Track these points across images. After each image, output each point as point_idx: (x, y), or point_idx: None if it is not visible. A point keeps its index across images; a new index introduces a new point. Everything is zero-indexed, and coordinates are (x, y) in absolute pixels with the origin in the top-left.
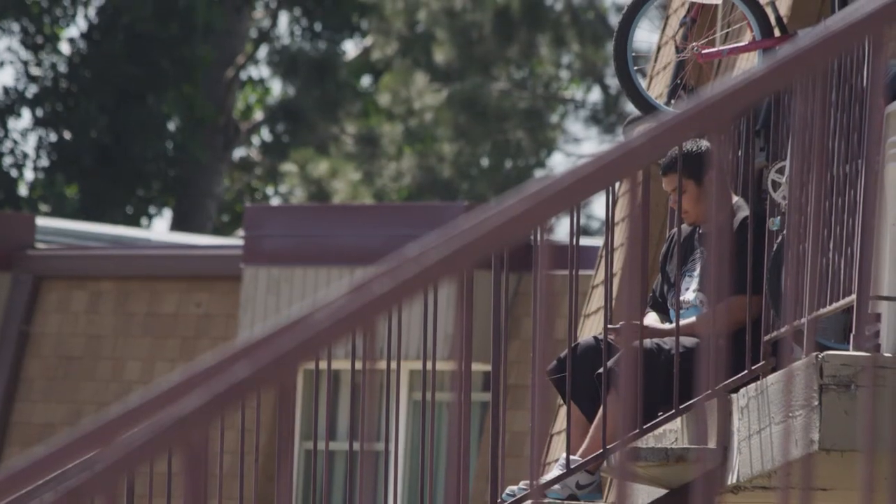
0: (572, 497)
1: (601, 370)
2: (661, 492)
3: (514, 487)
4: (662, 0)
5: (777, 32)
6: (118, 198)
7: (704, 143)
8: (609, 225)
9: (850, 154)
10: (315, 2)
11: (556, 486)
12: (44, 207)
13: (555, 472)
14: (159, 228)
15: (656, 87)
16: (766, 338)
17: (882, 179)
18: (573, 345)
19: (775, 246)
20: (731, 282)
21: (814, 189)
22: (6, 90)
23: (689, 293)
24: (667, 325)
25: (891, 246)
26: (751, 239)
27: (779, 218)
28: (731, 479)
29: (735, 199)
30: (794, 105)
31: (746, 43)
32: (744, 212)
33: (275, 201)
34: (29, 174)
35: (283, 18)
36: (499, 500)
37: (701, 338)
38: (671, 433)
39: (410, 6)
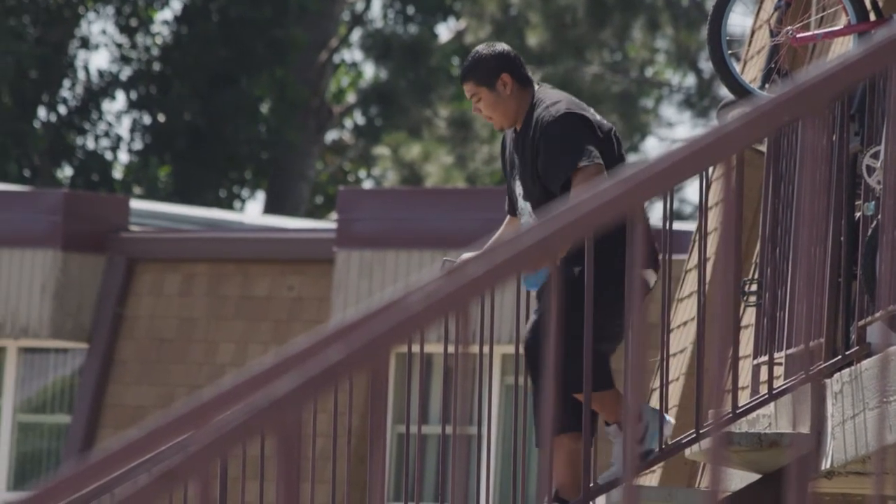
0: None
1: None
2: (755, 476)
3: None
4: None
5: (872, 16)
6: (211, 180)
7: (497, 48)
8: (702, 209)
9: None
10: None
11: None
12: (137, 190)
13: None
14: (252, 211)
15: (750, 72)
16: (861, 323)
17: None
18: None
19: (870, 231)
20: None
21: None
22: (101, 73)
23: (521, 200)
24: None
25: None
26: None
27: (873, 203)
28: (825, 465)
29: (547, 95)
30: (889, 89)
31: (841, 27)
32: (563, 105)
33: (367, 184)
34: (123, 157)
35: (377, 1)
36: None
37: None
38: (764, 418)
39: None
